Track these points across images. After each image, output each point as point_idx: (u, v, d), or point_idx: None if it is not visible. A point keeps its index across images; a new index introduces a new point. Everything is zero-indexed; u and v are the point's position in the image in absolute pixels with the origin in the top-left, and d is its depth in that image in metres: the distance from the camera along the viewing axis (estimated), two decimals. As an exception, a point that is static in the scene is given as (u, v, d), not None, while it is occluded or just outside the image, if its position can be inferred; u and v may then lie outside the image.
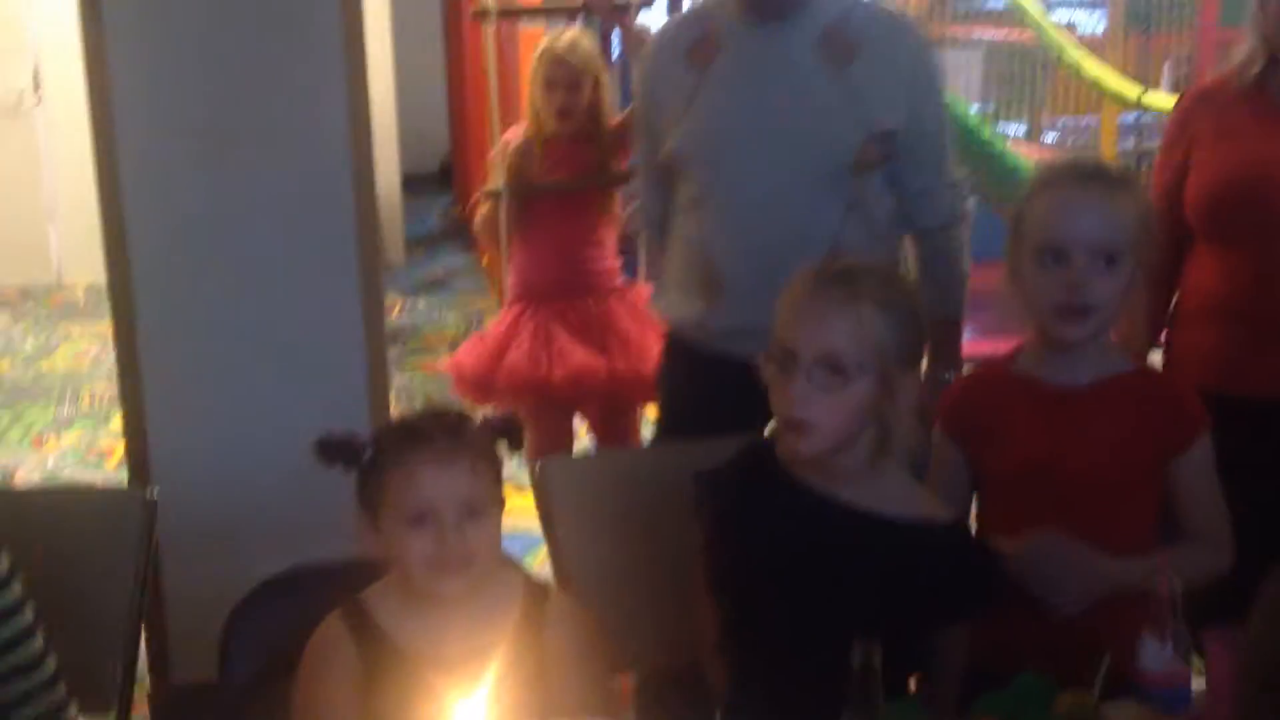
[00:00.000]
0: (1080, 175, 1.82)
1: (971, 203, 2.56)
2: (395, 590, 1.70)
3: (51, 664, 1.72)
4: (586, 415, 3.61)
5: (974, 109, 6.58)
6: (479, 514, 1.63)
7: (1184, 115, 2.42)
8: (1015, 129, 7.43)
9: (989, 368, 1.98)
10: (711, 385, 2.39)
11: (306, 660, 1.70)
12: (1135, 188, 1.84)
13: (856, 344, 1.63)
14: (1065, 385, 1.85)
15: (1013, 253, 1.86)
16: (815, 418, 1.64)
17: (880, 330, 1.64)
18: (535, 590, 1.72)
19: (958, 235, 2.46)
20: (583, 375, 3.38)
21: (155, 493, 2.08)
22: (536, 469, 2.02)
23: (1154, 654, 1.50)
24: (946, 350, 2.38)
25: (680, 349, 2.50)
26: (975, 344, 5.98)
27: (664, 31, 2.56)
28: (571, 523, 1.97)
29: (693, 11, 2.51)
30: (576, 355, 3.38)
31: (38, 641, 1.71)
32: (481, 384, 3.66)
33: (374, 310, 3.04)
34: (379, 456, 1.65)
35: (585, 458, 2.11)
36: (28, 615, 1.70)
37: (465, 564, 1.62)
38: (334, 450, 1.67)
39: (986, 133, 5.85)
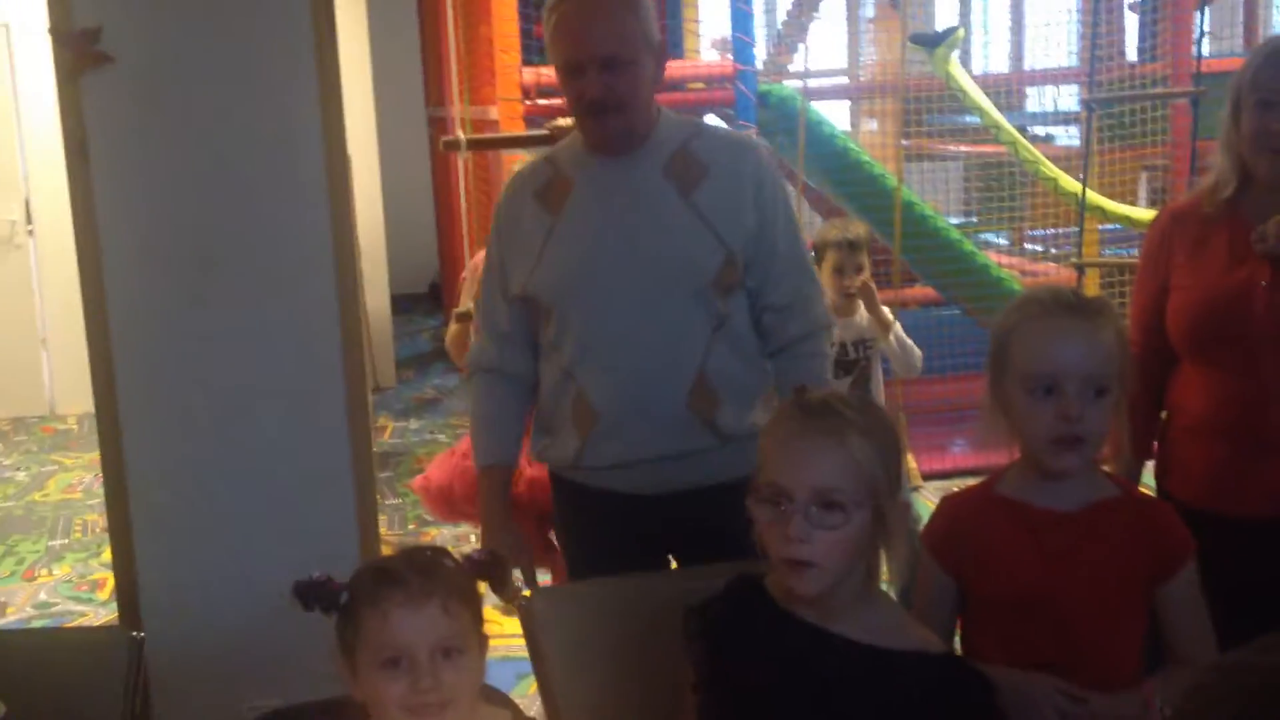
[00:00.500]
0: (1064, 306, 1.84)
1: (832, 321, 2.56)
2: None
3: None
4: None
5: (954, 221, 6.67)
6: (455, 655, 1.61)
7: (1161, 235, 2.43)
8: (997, 240, 7.54)
9: (973, 492, 1.98)
10: (604, 522, 2.39)
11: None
12: (1112, 315, 1.85)
13: (852, 478, 1.63)
14: (1055, 510, 1.85)
15: (995, 379, 1.88)
16: (817, 557, 1.63)
17: (870, 461, 1.64)
18: None
19: (822, 344, 2.44)
20: (541, 483, 3.35)
21: (142, 632, 2.08)
22: (522, 601, 2.02)
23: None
24: None
25: (568, 489, 2.46)
26: (967, 458, 5.98)
27: (515, 179, 2.49)
28: (560, 653, 1.96)
29: (541, 158, 2.49)
30: (535, 465, 3.36)
31: None
32: (445, 498, 3.67)
33: (361, 436, 3.05)
34: (354, 599, 1.63)
35: (572, 587, 2.10)
36: None
37: (441, 708, 1.60)
38: (311, 594, 1.66)
39: (968, 245, 5.93)
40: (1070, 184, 5.73)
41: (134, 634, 2.07)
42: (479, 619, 1.67)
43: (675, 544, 2.39)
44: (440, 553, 1.69)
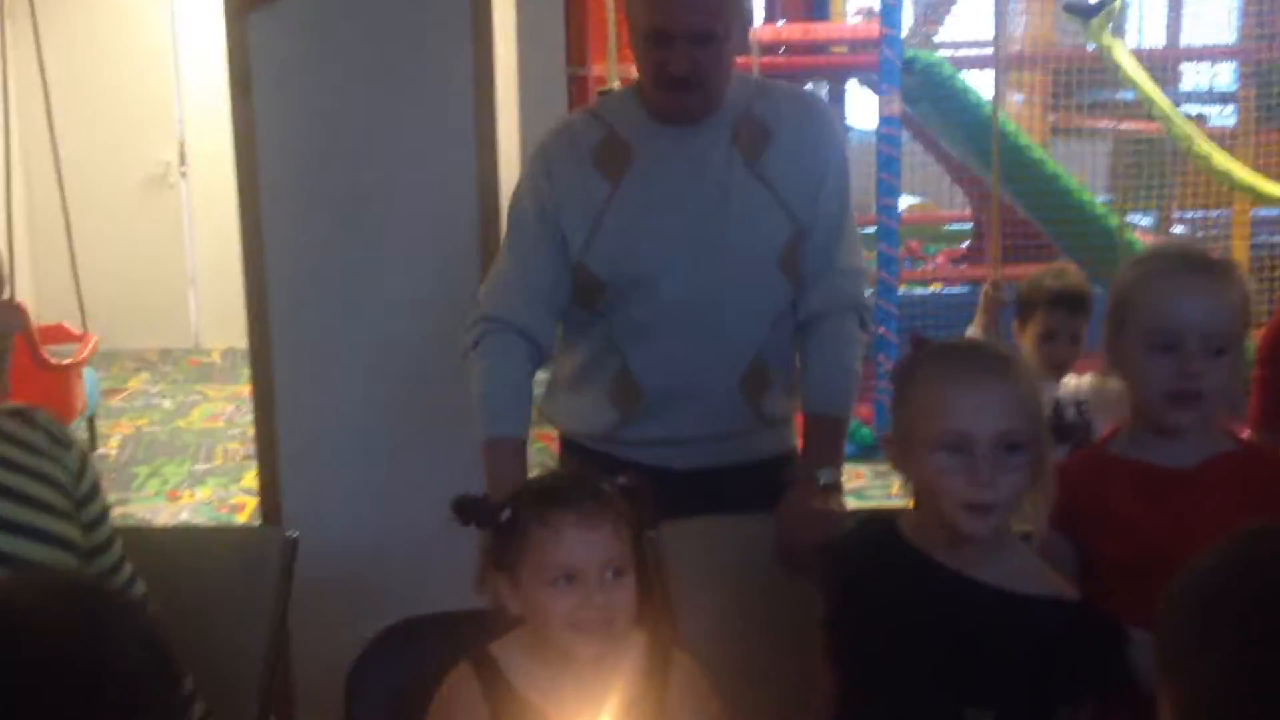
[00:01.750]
0: (1189, 264, 1.82)
1: (870, 294, 2.33)
2: (523, 644, 1.74)
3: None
4: None
5: (1100, 200, 6.54)
6: (620, 574, 1.67)
7: None
8: (1143, 220, 7.37)
9: (1087, 455, 1.97)
10: None
11: (436, 706, 1.75)
12: (1237, 275, 1.83)
13: (1025, 419, 1.65)
14: (1172, 468, 1.84)
15: (1113, 335, 1.86)
16: (1002, 498, 1.64)
17: (1031, 401, 1.67)
18: (659, 648, 1.75)
19: (848, 325, 2.25)
20: None
21: (295, 533, 2.16)
22: (654, 533, 2.05)
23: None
24: (828, 449, 2.21)
25: (586, 457, 2.30)
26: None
27: (564, 131, 2.28)
28: (687, 584, 2.00)
29: (590, 113, 2.30)
30: None
31: None
32: None
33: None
34: (521, 518, 1.68)
35: (702, 521, 2.13)
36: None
37: (606, 625, 1.65)
38: (471, 509, 1.71)
39: (1114, 221, 5.81)
40: (1223, 160, 5.58)
41: (288, 534, 2.14)
42: (637, 543, 1.72)
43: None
44: (598, 476, 1.75)
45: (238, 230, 3.11)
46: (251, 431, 5.92)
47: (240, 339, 3.32)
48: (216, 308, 7.51)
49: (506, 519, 1.69)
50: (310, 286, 3.07)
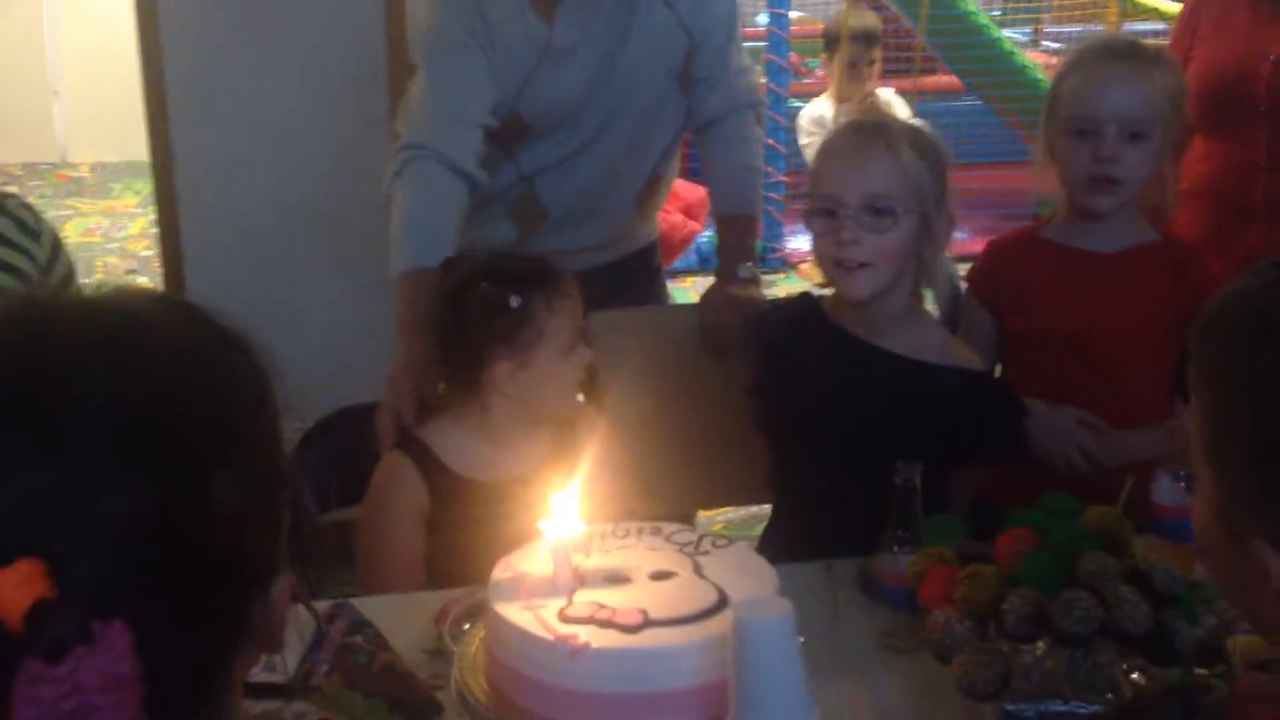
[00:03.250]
0: (1112, 53, 1.92)
1: (762, 99, 2.38)
2: (449, 428, 1.84)
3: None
4: None
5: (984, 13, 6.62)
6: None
7: (1191, 10, 2.47)
8: (1016, 36, 7.47)
9: (1017, 234, 2.09)
10: None
11: (375, 492, 1.83)
12: (1167, 65, 1.93)
13: (900, 185, 1.76)
14: (1095, 252, 1.96)
15: (1047, 128, 1.96)
16: (867, 258, 1.76)
17: (918, 170, 1.76)
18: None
19: (746, 123, 2.30)
20: None
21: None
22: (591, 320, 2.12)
23: (1167, 489, 1.64)
24: (739, 246, 2.27)
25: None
26: (970, 245, 6.09)
27: None
28: (619, 372, 2.09)
29: None
30: None
31: None
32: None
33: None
34: (532, 304, 1.76)
35: (632, 312, 2.23)
36: None
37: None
38: (486, 304, 1.77)
39: (995, 32, 5.90)
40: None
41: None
42: None
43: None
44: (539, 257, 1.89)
45: (104, 40, 3.04)
46: (133, 247, 5.81)
47: (111, 152, 3.25)
48: (83, 121, 7.24)
49: (517, 306, 1.75)
50: (210, 94, 3.02)
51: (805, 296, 1.93)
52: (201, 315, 0.80)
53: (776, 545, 1.91)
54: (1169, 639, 1.29)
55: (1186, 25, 2.46)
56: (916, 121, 1.93)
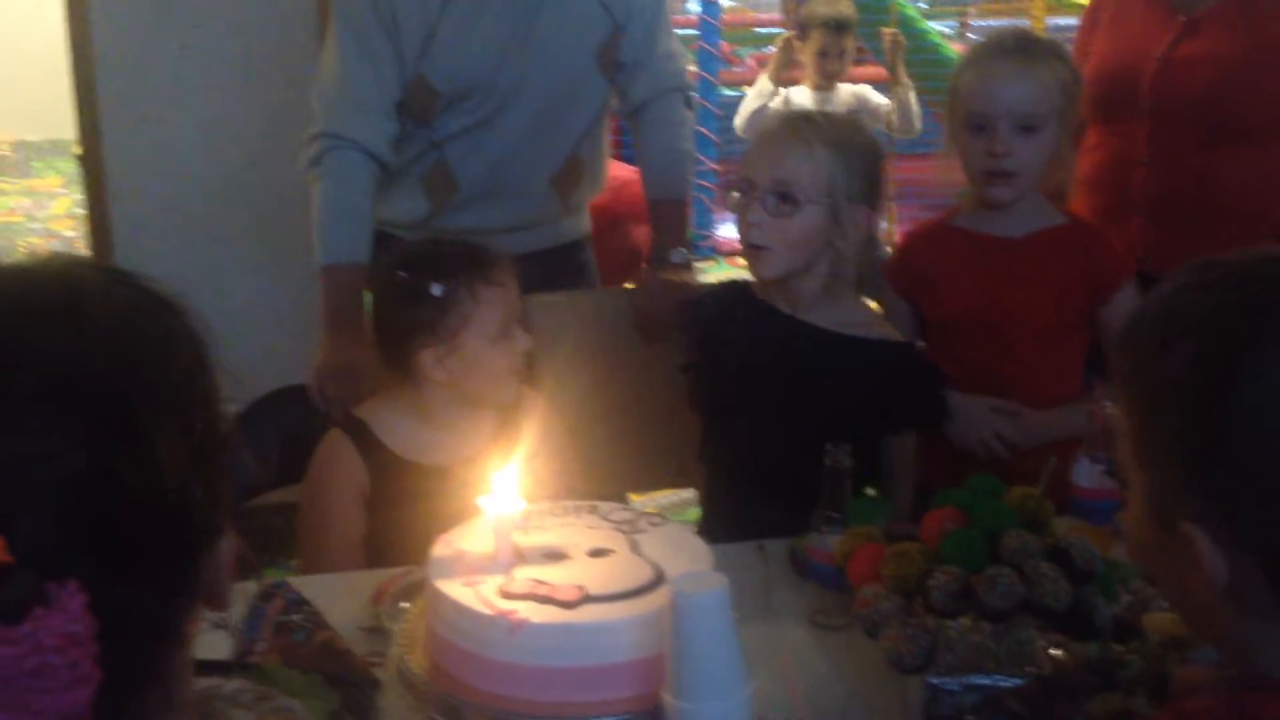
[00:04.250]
0: (1004, 49, 1.98)
1: (691, 85, 2.41)
2: (386, 408, 1.86)
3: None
4: None
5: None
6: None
7: (1094, 4, 2.52)
8: (943, 28, 7.57)
9: (929, 224, 2.15)
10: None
11: (316, 469, 1.84)
12: (1057, 57, 1.98)
13: (808, 176, 1.82)
14: (1002, 236, 2.02)
15: (949, 123, 2.03)
16: (769, 241, 1.83)
17: (830, 166, 1.82)
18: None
19: (675, 107, 2.33)
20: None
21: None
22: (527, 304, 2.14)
23: (1086, 472, 1.69)
24: (671, 230, 2.30)
25: (391, 243, 2.24)
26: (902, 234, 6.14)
27: None
28: (558, 355, 2.11)
29: None
30: None
31: None
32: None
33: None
34: (456, 289, 1.77)
35: (570, 295, 2.25)
36: None
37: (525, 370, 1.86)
38: (408, 291, 1.78)
39: (923, 24, 5.97)
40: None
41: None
42: None
43: None
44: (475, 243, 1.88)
45: (26, 16, 3.01)
46: (58, 227, 5.71)
47: (32, 131, 3.21)
48: (4, 97, 7.09)
49: (441, 294, 1.76)
50: (138, 73, 3.00)
51: (736, 281, 1.99)
52: (137, 280, 0.81)
53: (713, 526, 1.96)
54: (1088, 615, 1.34)
55: (1090, 19, 2.51)
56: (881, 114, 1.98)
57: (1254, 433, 0.87)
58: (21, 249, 5.58)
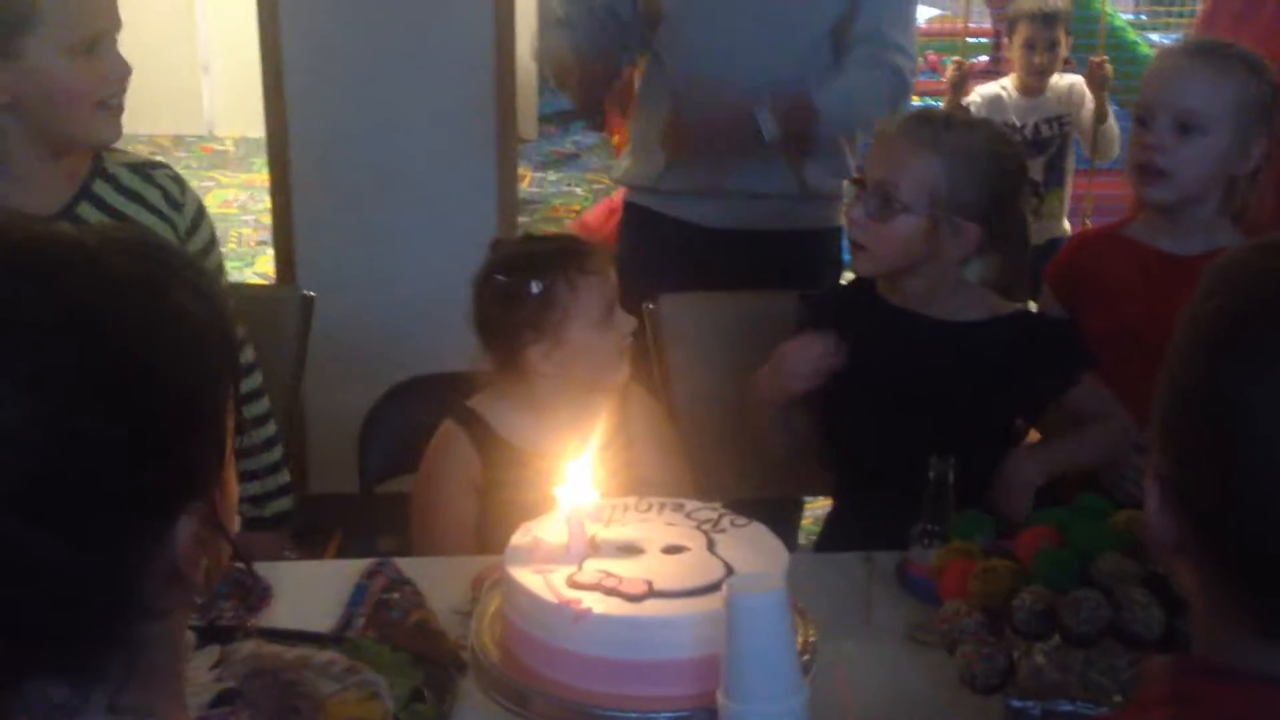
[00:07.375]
0: (1189, 49, 1.89)
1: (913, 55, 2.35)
2: (501, 398, 1.88)
3: (249, 352, 1.98)
4: None
5: (1125, 18, 6.45)
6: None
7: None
8: (1163, 40, 7.27)
9: (1099, 230, 2.07)
10: (678, 253, 2.36)
11: (430, 460, 1.88)
12: (1247, 67, 1.86)
13: (909, 181, 1.78)
14: (1170, 252, 1.92)
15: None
16: (865, 240, 1.83)
17: (935, 174, 1.77)
18: (620, 389, 1.90)
19: (875, 79, 2.27)
20: None
21: (312, 292, 2.25)
22: (650, 306, 2.16)
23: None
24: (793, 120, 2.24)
25: (641, 216, 2.46)
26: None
27: None
28: (682, 352, 2.11)
29: None
30: None
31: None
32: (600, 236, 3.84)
33: (508, 177, 3.22)
34: (555, 281, 1.79)
35: (694, 296, 2.24)
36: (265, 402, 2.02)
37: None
38: (504, 286, 1.81)
39: (1132, 35, 5.75)
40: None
41: (305, 292, 2.23)
42: None
43: (739, 283, 2.32)
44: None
45: (252, 20, 3.15)
46: (266, 219, 6.00)
47: (254, 128, 3.36)
48: (230, 96, 7.49)
49: (538, 292, 1.78)
50: (326, 72, 3.12)
51: (856, 280, 1.97)
52: (156, 253, 0.82)
53: (837, 532, 1.95)
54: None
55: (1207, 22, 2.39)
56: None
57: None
58: (233, 239, 5.88)
